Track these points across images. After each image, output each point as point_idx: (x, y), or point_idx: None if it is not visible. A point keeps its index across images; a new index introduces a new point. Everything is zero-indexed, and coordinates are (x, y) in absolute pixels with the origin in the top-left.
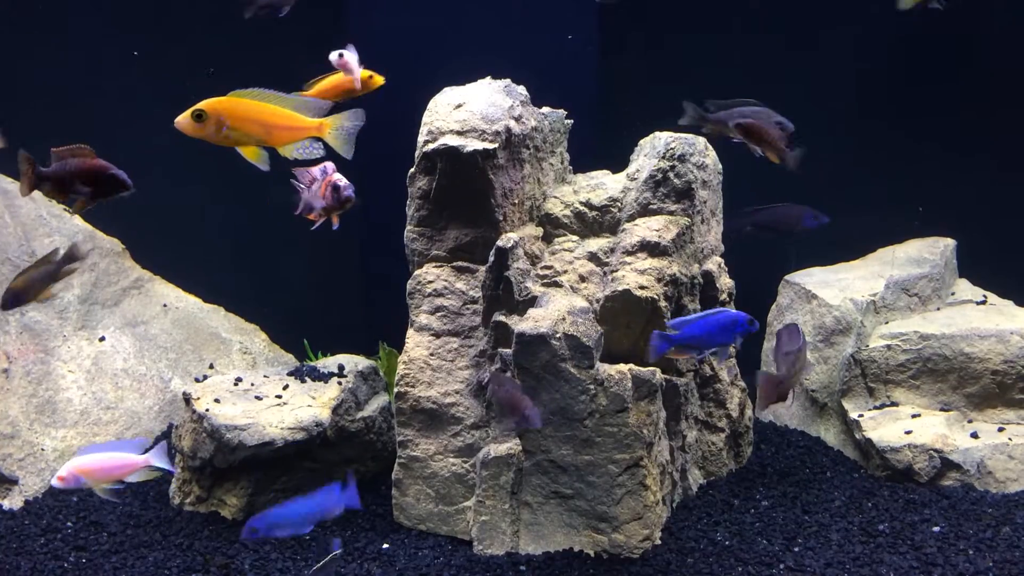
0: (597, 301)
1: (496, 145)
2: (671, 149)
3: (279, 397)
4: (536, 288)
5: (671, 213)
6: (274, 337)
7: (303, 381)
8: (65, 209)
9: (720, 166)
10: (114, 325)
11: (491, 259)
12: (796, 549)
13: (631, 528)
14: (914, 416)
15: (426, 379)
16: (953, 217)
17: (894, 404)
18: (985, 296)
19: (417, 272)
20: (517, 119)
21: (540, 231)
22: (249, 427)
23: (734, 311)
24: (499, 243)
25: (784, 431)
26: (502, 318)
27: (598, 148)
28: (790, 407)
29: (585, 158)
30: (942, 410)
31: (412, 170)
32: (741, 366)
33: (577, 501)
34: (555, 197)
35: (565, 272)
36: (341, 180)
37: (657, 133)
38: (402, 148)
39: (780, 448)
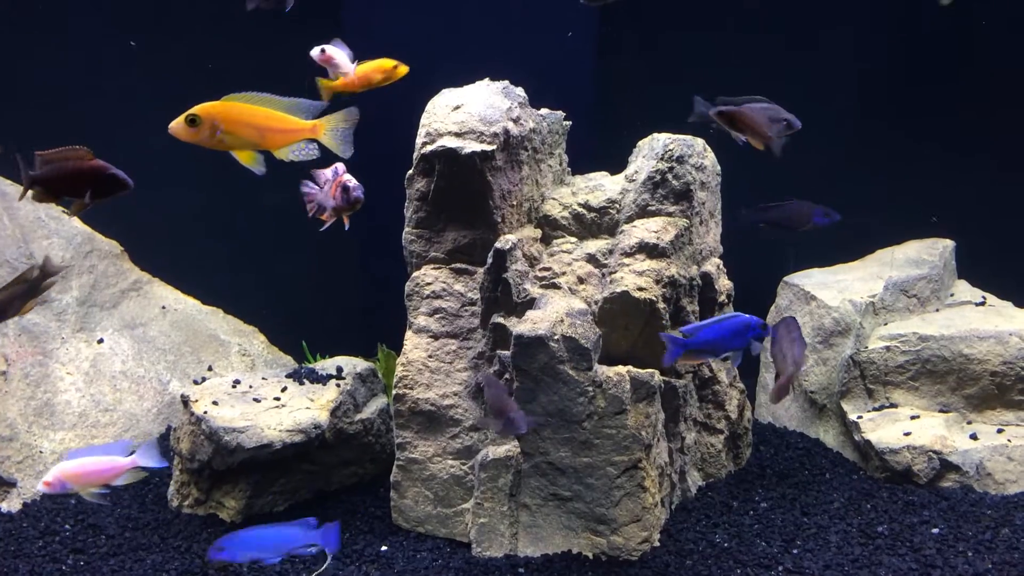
0: (595, 303)
1: (494, 147)
2: (669, 150)
3: (277, 399)
4: (534, 290)
5: (670, 214)
6: (273, 339)
7: (301, 383)
8: (64, 211)
9: (719, 167)
10: (113, 327)
11: (489, 261)
12: (795, 551)
13: (630, 530)
14: (913, 417)
15: (424, 381)
16: (952, 218)
17: (893, 405)
18: (984, 297)
19: (415, 274)
20: (515, 121)
21: (538, 233)
22: (247, 429)
23: (746, 315)
24: (497, 245)
25: (783, 433)
26: (500, 320)
27: (596, 149)
28: (789, 408)
29: (584, 159)
30: (941, 411)
31: (410, 172)
32: (739, 367)
33: (576, 503)
34: (553, 199)
35: (563, 274)
36: (351, 181)
37: (655, 135)
38: (400, 150)
39: (779, 450)
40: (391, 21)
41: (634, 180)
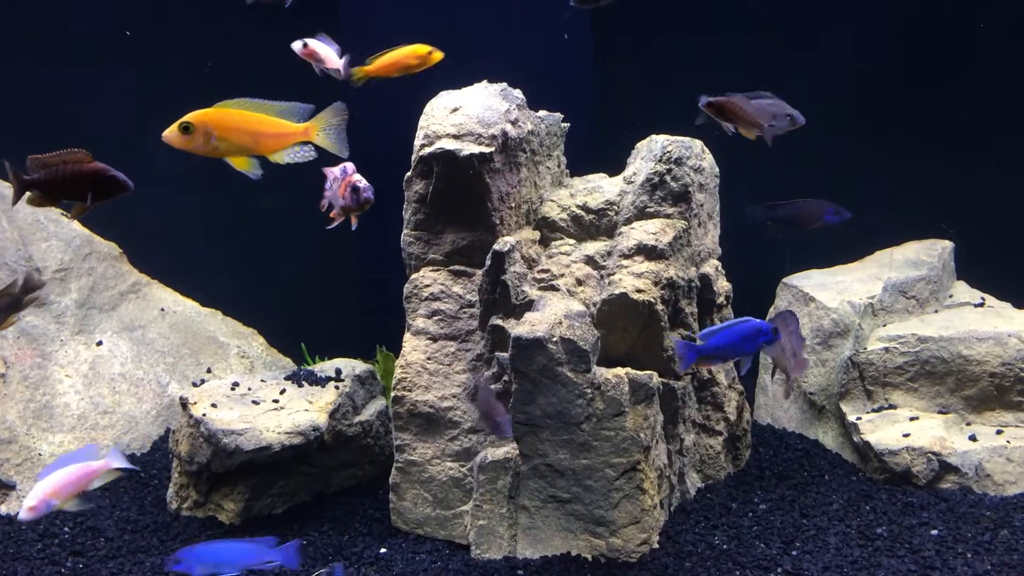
0: (594, 304)
1: (492, 149)
2: (668, 152)
3: (276, 401)
4: (533, 292)
5: (668, 216)
6: (272, 341)
7: (300, 385)
8: (63, 214)
9: (717, 169)
10: (111, 329)
11: (488, 263)
12: (794, 553)
13: (629, 532)
14: (912, 419)
15: (423, 383)
16: (952, 218)
17: (892, 407)
18: (983, 298)
19: (414, 276)
20: (513, 123)
21: (537, 235)
22: (246, 432)
23: (757, 320)
24: (496, 247)
25: (782, 434)
26: (499, 322)
27: (595, 151)
28: (788, 410)
29: (582, 161)
30: (940, 413)
31: (408, 174)
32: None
33: (574, 505)
34: (552, 200)
35: (562, 276)
36: (361, 181)
37: (654, 136)
38: (398, 152)
39: (778, 451)
40: (390, 21)
41: (632, 182)
